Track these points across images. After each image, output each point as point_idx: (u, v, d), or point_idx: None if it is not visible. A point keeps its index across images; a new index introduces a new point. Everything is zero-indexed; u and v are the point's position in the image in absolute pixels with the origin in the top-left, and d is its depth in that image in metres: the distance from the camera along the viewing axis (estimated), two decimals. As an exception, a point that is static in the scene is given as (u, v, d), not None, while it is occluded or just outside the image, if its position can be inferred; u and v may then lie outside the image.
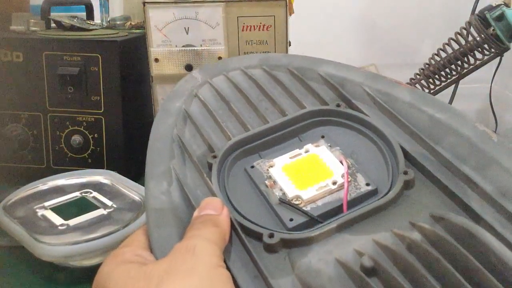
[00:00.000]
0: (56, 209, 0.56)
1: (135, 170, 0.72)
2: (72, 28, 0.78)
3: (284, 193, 0.40)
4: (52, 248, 0.49)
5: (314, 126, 0.46)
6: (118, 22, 0.86)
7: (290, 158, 0.43)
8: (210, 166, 0.42)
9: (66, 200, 0.59)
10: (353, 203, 0.39)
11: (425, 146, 0.41)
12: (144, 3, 0.67)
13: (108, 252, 0.50)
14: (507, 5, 0.74)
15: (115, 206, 0.57)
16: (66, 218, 0.54)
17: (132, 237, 0.39)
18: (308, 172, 0.42)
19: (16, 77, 0.71)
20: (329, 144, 0.44)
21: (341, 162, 0.41)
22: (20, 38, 0.72)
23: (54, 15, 0.81)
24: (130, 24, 0.85)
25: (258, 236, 0.37)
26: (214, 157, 0.43)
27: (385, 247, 0.35)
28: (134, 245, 0.38)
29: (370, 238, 0.35)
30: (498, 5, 0.75)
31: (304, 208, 0.39)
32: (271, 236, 0.36)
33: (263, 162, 0.43)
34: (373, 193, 0.39)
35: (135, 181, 0.63)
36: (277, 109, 0.47)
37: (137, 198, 0.59)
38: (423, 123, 0.43)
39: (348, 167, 0.41)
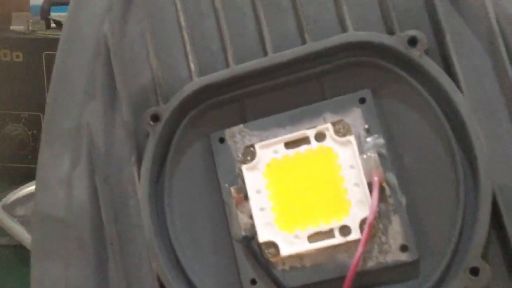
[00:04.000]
0: (56, 208, 0.56)
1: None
2: (72, 28, 0.78)
3: (253, 226, 0.24)
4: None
5: (352, 73, 0.25)
6: (118, 22, 0.86)
7: (287, 146, 0.24)
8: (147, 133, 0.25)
9: (66, 199, 0.59)
10: (366, 279, 0.23)
11: None
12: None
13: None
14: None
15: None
16: (66, 217, 0.54)
17: None
18: (307, 193, 0.24)
19: (16, 77, 0.72)
20: (366, 127, 0.24)
21: (370, 184, 0.23)
22: (20, 38, 0.73)
23: (54, 15, 0.82)
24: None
25: None
26: (156, 118, 0.25)
27: None
28: None
29: None
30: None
31: (277, 270, 0.24)
32: None
33: (242, 134, 0.25)
34: (407, 269, 0.23)
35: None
36: (294, 25, 0.26)
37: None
38: None
39: (382, 200, 0.23)
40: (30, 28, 0.76)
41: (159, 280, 0.24)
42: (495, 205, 0.22)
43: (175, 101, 0.25)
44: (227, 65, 0.25)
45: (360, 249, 0.22)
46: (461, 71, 0.23)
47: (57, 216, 0.25)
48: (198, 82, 0.25)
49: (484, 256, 0.21)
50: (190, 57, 0.26)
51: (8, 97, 0.72)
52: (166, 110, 0.25)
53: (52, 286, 0.25)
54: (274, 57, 0.25)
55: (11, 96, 0.72)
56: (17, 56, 0.72)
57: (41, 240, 0.25)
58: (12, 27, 0.76)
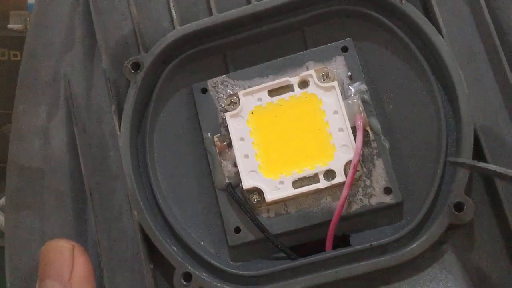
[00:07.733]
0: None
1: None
2: (71, 27, 0.78)
3: (237, 173, 0.23)
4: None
5: (334, 23, 0.25)
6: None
7: (271, 94, 0.24)
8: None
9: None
10: (351, 223, 0.23)
11: None
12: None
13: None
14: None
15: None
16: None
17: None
18: (292, 140, 0.23)
19: (13, 76, 0.71)
20: (349, 74, 0.24)
21: (353, 129, 0.23)
22: (18, 36, 0.72)
23: (52, 14, 0.81)
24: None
25: (171, 265, 0.23)
26: (137, 66, 0.24)
27: None
28: None
29: None
30: None
31: (262, 217, 0.23)
32: (186, 277, 0.23)
33: (225, 84, 0.24)
34: (391, 212, 0.23)
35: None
36: None
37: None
38: None
39: (366, 144, 0.22)
40: (28, 26, 0.76)
41: (141, 229, 0.23)
42: (477, 145, 0.22)
43: (156, 49, 0.25)
44: (210, 14, 0.25)
45: (345, 191, 0.22)
46: (441, 16, 0.23)
47: (33, 167, 0.24)
48: (180, 30, 0.25)
49: (468, 194, 0.22)
50: (171, 4, 0.25)
51: (5, 97, 0.72)
52: (147, 58, 0.25)
53: (26, 238, 0.24)
54: (257, 5, 0.25)
55: (9, 95, 0.72)
56: (15, 55, 0.71)
57: (16, 191, 0.25)
58: (9, 26, 0.76)
